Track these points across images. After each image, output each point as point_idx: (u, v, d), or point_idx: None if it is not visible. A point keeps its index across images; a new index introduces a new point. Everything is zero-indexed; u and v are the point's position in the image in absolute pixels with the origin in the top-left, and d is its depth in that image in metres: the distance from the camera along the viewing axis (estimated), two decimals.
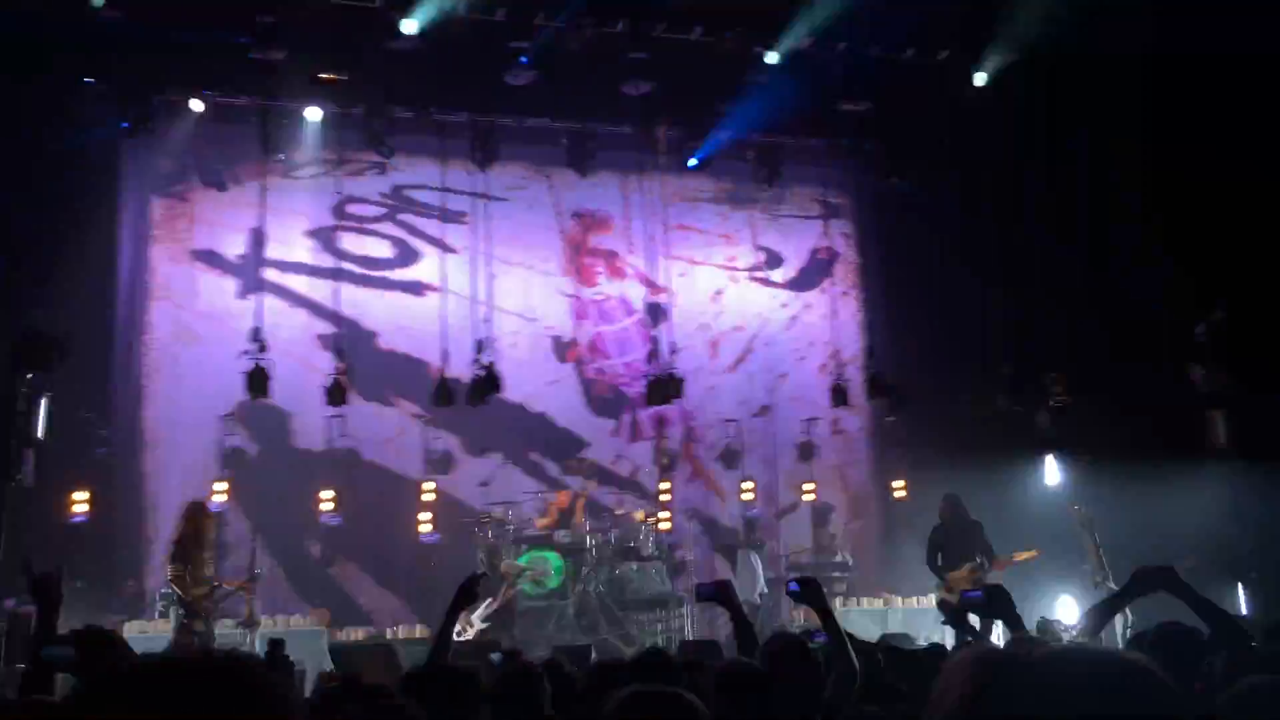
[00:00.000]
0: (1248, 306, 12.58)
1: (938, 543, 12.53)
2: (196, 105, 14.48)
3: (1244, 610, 11.80)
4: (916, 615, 13.72)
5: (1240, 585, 12.38)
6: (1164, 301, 13.15)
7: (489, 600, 12.60)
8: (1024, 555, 12.16)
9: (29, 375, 11.66)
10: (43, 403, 11.77)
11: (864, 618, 13.48)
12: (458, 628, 12.40)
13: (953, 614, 9.60)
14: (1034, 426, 15.20)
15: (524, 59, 13.06)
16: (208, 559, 10.47)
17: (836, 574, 15.05)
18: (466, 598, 5.61)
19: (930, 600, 13.36)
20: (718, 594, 6.06)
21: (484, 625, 12.48)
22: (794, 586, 5.28)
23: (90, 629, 3.49)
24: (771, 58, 14.08)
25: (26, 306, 11.66)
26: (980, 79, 14.55)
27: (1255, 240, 12.08)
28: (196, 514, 10.64)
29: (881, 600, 14.38)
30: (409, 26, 12.84)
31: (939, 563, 12.43)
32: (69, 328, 12.10)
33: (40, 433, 11.74)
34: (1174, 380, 13.41)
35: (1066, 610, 12.68)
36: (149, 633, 11.49)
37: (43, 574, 4.36)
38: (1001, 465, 15.20)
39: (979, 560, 12.17)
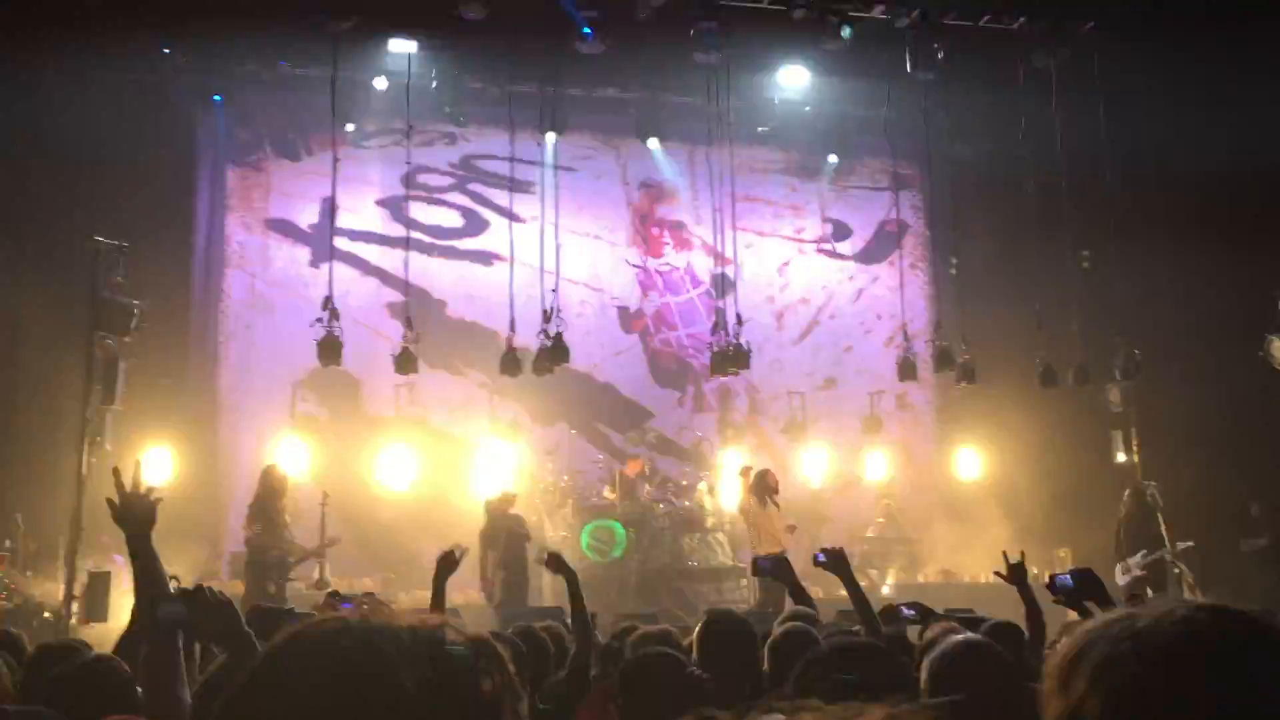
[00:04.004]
0: None
1: (1122, 528, 12.94)
2: (271, 76, 14.74)
3: None
4: (978, 591, 13.60)
5: None
6: (1245, 275, 12.87)
7: None
8: (1183, 546, 12.49)
9: (108, 341, 11.97)
10: (121, 368, 12.09)
11: (924, 593, 13.41)
12: None
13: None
14: (1104, 402, 14.97)
15: (589, 30, 13.01)
16: (283, 522, 10.70)
17: (898, 548, 15.00)
18: (446, 569, 5.59)
19: (991, 576, 13.30)
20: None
21: None
22: (820, 557, 5.45)
23: (201, 588, 3.57)
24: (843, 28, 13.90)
25: (105, 273, 11.94)
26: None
27: None
28: (274, 477, 10.86)
29: (943, 575, 14.29)
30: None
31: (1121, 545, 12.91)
32: (147, 295, 12.39)
33: (119, 397, 12.06)
34: (1249, 355, 13.14)
35: None
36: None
37: None
38: (1070, 441, 15.03)
39: (1144, 552, 12.54)
